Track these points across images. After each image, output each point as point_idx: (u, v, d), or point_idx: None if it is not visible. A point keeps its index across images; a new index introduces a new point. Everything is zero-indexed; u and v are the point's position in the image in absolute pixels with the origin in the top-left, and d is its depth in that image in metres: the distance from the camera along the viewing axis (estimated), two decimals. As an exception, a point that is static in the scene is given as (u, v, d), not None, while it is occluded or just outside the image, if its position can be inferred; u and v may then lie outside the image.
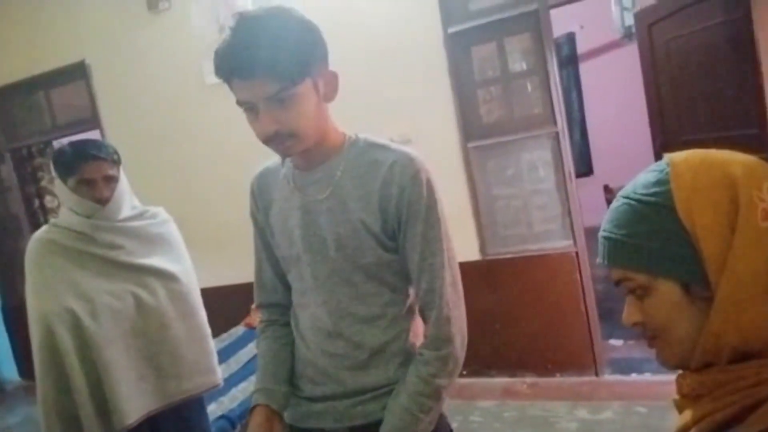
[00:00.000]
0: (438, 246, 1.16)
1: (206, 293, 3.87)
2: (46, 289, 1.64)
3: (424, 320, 1.22)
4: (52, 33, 4.06)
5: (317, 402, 1.27)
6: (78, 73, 4.03)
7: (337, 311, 1.21)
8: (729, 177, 0.62)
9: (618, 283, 0.70)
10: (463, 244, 3.22)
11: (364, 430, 1.20)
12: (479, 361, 3.31)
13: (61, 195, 1.72)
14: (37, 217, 4.83)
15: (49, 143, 4.71)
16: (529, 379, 3.20)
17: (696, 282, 0.63)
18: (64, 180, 1.67)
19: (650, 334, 0.70)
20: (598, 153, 6.22)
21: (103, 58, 3.95)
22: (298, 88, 1.04)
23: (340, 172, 1.18)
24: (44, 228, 1.74)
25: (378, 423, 1.17)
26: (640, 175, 0.69)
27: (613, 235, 0.68)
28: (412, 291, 1.24)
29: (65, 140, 4.51)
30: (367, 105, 3.28)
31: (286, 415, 1.29)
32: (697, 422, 0.63)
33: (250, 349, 3.18)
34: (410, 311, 1.25)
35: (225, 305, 3.79)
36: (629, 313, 0.70)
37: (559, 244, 3.08)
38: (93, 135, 4.15)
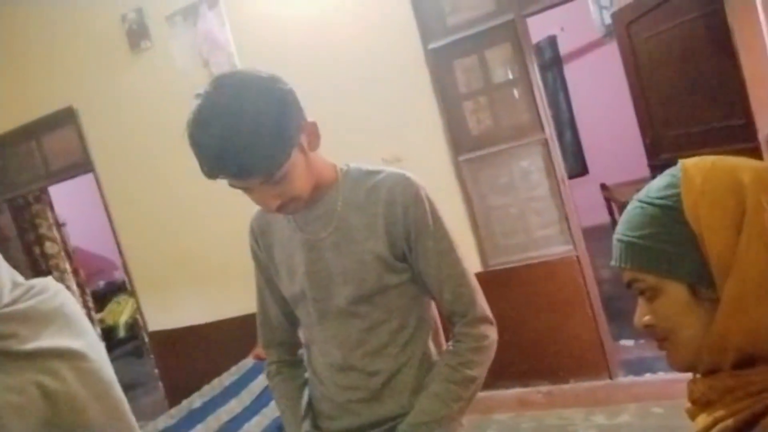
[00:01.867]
0: (453, 257, 1.21)
1: (212, 327, 3.92)
2: None
3: (454, 324, 1.24)
4: (38, 81, 4.09)
5: None
6: (67, 118, 4.05)
7: (347, 344, 1.22)
8: (737, 182, 0.63)
9: (629, 285, 0.72)
10: (464, 257, 3.22)
11: None
12: (491, 374, 3.25)
13: None
14: (39, 264, 4.84)
15: (44, 189, 4.74)
16: (544, 388, 3.17)
17: (702, 284, 0.64)
18: None
19: (660, 336, 0.71)
20: (592, 152, 6.23)
21: (90, 102, 3.97)
22: (286, 166, 1.05)
23: (340, 205, 1.20)
24: None
25: None
26: (655, 180, 0.71)
27: (625, 237, 0.70)
28: (415, 318, 1.25)
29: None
30: (355, 128, 3.30)
31: None
32: (709, 429, 0.63)
33: (261, 381, 3.16)
34: (419, 336, 1.25)
35: (231, 338, 3.78)
36: (640, 314, 0.73)
37: (559, 249, 3.07)
38: (87, 179, 4.18)
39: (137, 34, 3.71)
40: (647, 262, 0.68)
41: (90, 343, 1.67)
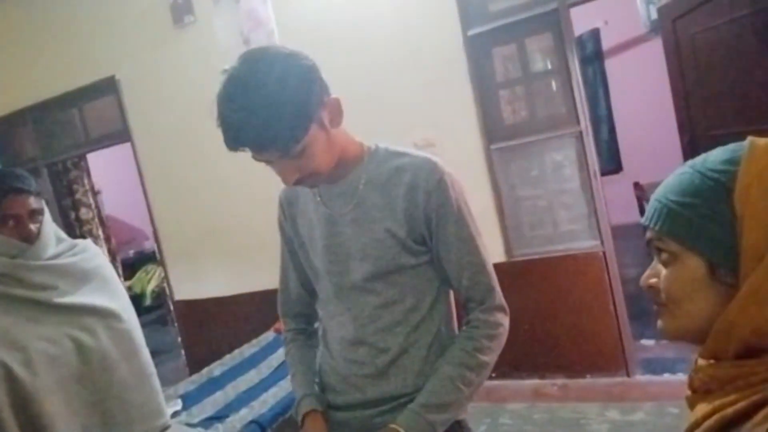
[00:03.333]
0: (474, 244, 1.21)
1: (237, 300, 4.00)
2: None
3: (469, 311, 1.25)
4: (83, 50, 4.19)
5: (339, 411, 1.30)
6: (109, 88, 4.14)
7: (360, 319, 1.24)
8: None
9: (649, 242, 0.71)
10: (488, 246, 3.21)
11: None
12: (508, 363, 3.29)
13: None
14: (74, 229, 4.98)
15: (83, 157, 4.87)
16: (559, 381, 3.17)
17: (724, 267, 0.63)
18: None
19: (660, 301, 0.71)
20: (627, 150, 6.12)
21: (132, 73, 4.06)
22: (305, 140, 1.06)
23: (363, 183, 1.21)
24: None
25: None
26: (714, 150, 0.68)
27: (663, 199, 0.69)
28: (430, 300, 1.25)
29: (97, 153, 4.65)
30: (389, 110, 3.30)
31: None
32: (707, 418, 0.63)
33: (280, 354, 3.22)
34: (432, 318, 1.26)
35: (255, 311, 3.86)
36: (649, 275, 0.72)
37: (586, 244, 3.05)
38: (124, 148, 4.28)
39: (181, 9, 3.77)
40: (677, 228, 0.66)
41: (124, 305, 1.73)
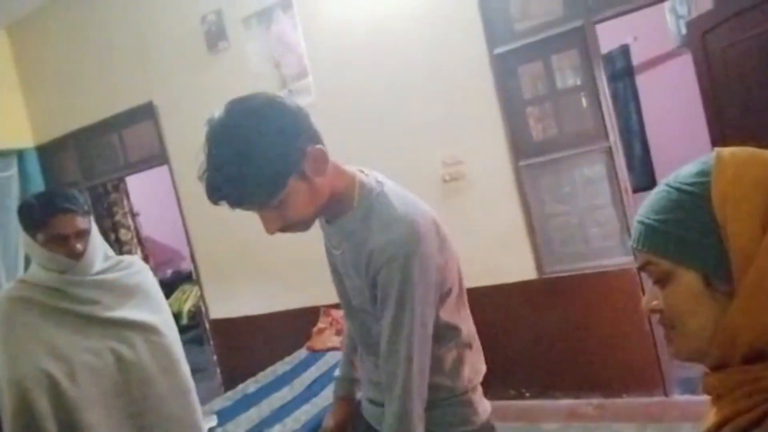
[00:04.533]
0: (405, 333, 1.13)
1: (271, 318, 4.05)
2: (19, 351, 1.50)
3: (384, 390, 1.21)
4: (121, 78, 4.36)
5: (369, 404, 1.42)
6: (147, 113, 4.30)
7: (360, 337, 1.36)
8: (767, 176, 0.62)
9: (642, 267, 0.71)
10: (518, 263, 3.21)
11: None
12: (542, 383, 3.26)
13: (29, 250, 1.59)
14: (114, 250, 5.13)
15: (122, 179, 5.03)
16: (595, 401, 3.11)
17: (718, 276, 0.63)
18: (32, 235, 1.55)
19: (667, 323, 0.71)
20: (661, 166, 6.02)
21: (169, 99, 4.20)
22: (283, 194, 1.06)
23: (346, 234, 1.22)
24: (12, 285, 1.62)
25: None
26: (686, 166, 0.70)
27: (646, 220, 0.69)
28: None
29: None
30: (417, 129, 3.35)
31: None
32: (720, 426, 0.63)
33: (312, 372, 3.26)
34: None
35: (288, 329, 3.91)
36: (649, 299, 0.72)
37: (619, 260, 3.01)
38: (162, 171, 4.41)
39: (215, 35, 3.90)
40: (664, 246, 0.67)
41: (165, 319, 1.80)
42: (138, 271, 1.79)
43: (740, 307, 0.61)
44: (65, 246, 1.56)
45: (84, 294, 1.61)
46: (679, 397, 2.94)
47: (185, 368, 1.78)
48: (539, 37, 3.01)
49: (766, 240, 0.60)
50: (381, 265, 1.12)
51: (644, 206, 0.71)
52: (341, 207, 1.19)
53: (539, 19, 3.04)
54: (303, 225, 1.15)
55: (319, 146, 1.10)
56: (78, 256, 1.58)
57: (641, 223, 0.70)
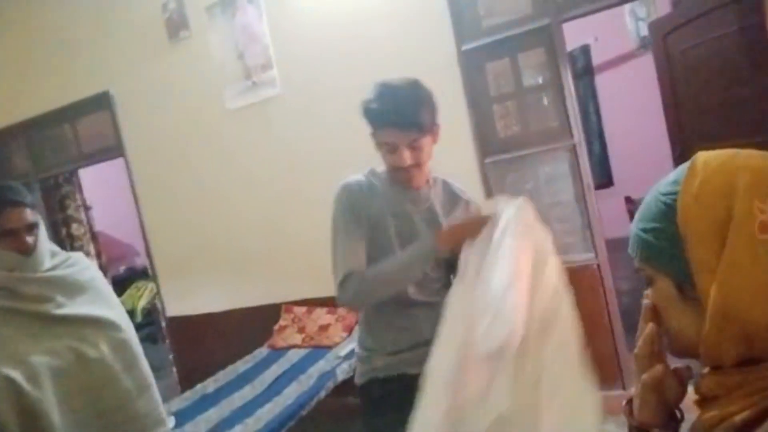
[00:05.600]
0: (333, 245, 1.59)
1: (230, 315, 3.96)
2: None
3: None
4: (76, 65, 4.19)
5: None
6: (102, 103, 4.14)
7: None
8: (730, 185, 0.62)
9: (637, 271, 0.75)
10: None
11: None
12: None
13: None
14: (65, 245, 4.93)
15: (74, 172, 4.84)
16: (556, 395, 3.15)
17: (687, 284, 0.65)
18: None
19: (657, 320, 0.74)
20: (618, 163, 6.18)
21: (126, 88, 4.06)
22: (427, 137, 1.53)
23: (432, 198, 1.67)
24: None
25: None
26: (673, 171, 0.71)
27: (633, 228, 0.73)
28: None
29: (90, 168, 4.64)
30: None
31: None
32: (715, 425, 0.63)
33: (274, 370, 3.20)
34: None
35: (249, 327, 3.83)
36: (646, 296, 0.76)
37: (581, 256, 3.05)
38: (115, 163, 4.27)
39: (176, 24, 3.78)
40: (644, 253, 0.70)
41: (120, 314, 1.74)
42: (87, 267, 1.74)
43: (714, 322, 0.62)
44: (16, 241, 1.51)
45: (35, 292, 1.54)
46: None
47: (145, 363, 1.75)
48: (507, 34, 3.02)
49: (726, 254, 0.60)
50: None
51: (638, 212, 0.74)
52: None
53: (507, 16, 3.05)
54: (420, 170, 1.57)
55: (438, 123, 1.59)
56: (29, 250, 1.53)
57: (632, 229, 0.74)
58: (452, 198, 1.68)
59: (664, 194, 0.68)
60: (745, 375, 0.62)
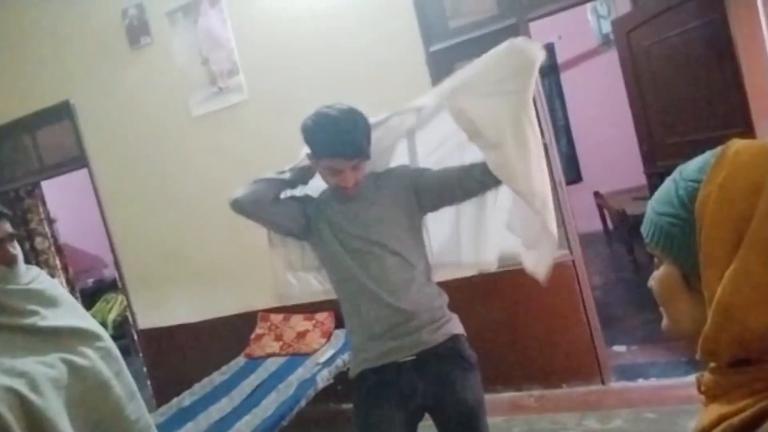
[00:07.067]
0: None
1: (205, 326, 3.89)
2: None
3: None
4: (35, 74, 4.06)
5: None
6: (63, 113, 4.02)
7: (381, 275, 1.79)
8: (757, 183, 0.59)
9: (648, 249, 0.73)
10: (459, 260, 3.22)
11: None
12: (484, 377, 3.25)
13: None
14: (29, 260, 4.77)
15: (37, 184, 4.69)
16: (536, 392, 3.17)
17: (693, 275, 0.64)
18: None
19: (658, 301, 0.73)
20: (586, 159, 6.27)
21: (87, 97, 3.95)
22: (365, 161, 1.68)
23: (368, 193, 1.78)
24: None
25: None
26: (697, 157, 0.68)
27: (648, 208, 0.71)
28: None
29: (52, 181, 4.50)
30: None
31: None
32: (714, 425, 0.62)
33: (252, 380, 3.14)
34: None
35: (224, 337, 3.76)
36: (652, 277, 0.73)
37: (556, 253, 3.07)
38: (80, 174, 4.15)
39: (137, 30, 3.69)
40: (656, 236, 0.68)
41: (97, 325, 1.74)
42: (53, 281, 1.76)
43: (716, 320, 0.60)
44: (0, 251, 1.51)
45: (20, 305, 1.54)
46: (615, 385, 3.04)
47: (127, 370, 1.76)
48: (474, 34, 3.03)
49: (739, 256, 0.58)
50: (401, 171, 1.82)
51: (656, 192, 0.71)
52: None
53: (473, 16, 3.06)
54: (357, 186, 1.70)
55: None
56: (14, 261, 1.54)
57: (648, 209, 0.71)
58: (384, 176, 1.81)
59: (688, 180, 0.65)
60: (742, 376, 0.62)
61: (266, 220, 1.81)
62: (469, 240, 1.99)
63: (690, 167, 0.67)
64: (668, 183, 0.69)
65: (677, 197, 0.65)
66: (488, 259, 2.06)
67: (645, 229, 0.71)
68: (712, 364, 0.67)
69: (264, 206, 1.74)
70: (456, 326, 1.86)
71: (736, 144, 0.64)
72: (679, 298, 0.68)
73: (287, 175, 1.82)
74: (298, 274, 1.98)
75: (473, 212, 1.93)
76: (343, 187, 1.69)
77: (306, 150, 1.75)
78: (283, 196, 1.82)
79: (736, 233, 0.59)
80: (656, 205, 0.69)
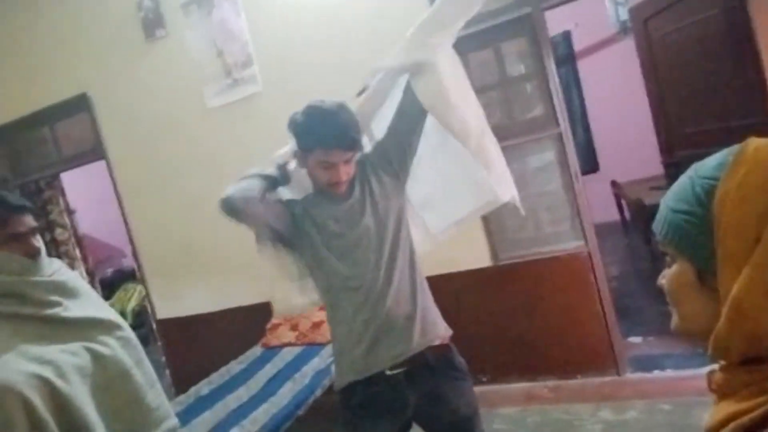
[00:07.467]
0: None
1: (222, 316, 3.94)
2: None
3: None
4: (53, 68, 4.11)
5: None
6: (81, 105, 4.07)
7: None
8: None
9: (660, 246, 0.73)
10: (473, 251, 3.22)
11: None
12: (499, 368, 3.29)
13: None
14: (49, 251, 4.86)
15: (56, 176, 4.76)
16: (551, 383, 3.17)
17: (709, 273, 0.63)
18: None
19: (668, 299, 0.73)
20: (603, 149, 6.21)
21: (104, 90, 3.99)
22: (356, 155, 1.69)
23: (360, 191, 1.76)
24: None
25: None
26: (714, 155, 0.67)
27: (663, 204, 0.70)
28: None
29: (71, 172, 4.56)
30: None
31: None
32: (724, 424, 0.62)
33: (268, 370, 3.18)
34: None
35: (241, 327, 3.80)
36: (662, 275, 0.74)
37: (571, 244, 3.06)
38: (99, 165, 4.20)
39: (152, 23, 3.71)
40: (670, 233, 0.68)
41: (116, 316, 1.76)
42: (73, 273, 1.78)
43: (730, 317, 0.60)
44: (25, 244, 1.54)
45: (44, 296, 1.56)
46: (630, 376, 3.03)
47: (147, 359, 1.79)
48: (489, 24, 3.00)
49: (757, 254, 0.58)
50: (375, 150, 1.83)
51: (669, 190, 0.71)
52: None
53: (488, 6, 3.02)
54: (348, 182, 1.69)
55: None
56: (37, 254, 1.56)
57: (661, 206, 0.71)
58: (364, 167, 1.77)
59: (704, 177, 0.64)
60: (752, 374, 0.62)
61: (256, 219, 1.74)
62: (451, 195, 1.93)
63: (706, 165, 0.66)
64: (684, 180, 0.68)
65: (694, 195, 0.65)
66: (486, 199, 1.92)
67: (659, 226, 0.70)
68: (723, 362, 0.67)
69: (254, 203, 1.68)
70: (444, 329, 1.77)
71: (755, 142, 0.63)
72: (692, 296, 0.67)
73: (273, 171, 1.78)
74: (292, 285, 1.93)
75: (444, 170, 1.90)
76: (335, 182, 1.66)
77: (290, 147, 1.73)
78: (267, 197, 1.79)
79: (754, 231, 0.58)
80: (671, 203, 0.68)
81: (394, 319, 1.65)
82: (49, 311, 1.56)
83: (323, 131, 1.60)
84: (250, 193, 1.69)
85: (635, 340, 3.36)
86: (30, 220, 1.57)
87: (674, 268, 0.70)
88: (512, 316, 3.20)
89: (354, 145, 1.64)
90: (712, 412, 0.67)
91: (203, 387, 3.17)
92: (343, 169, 1.64)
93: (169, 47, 3.73)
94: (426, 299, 1.76)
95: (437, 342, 1.72)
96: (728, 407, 0.63)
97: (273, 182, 1.77)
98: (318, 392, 2.79)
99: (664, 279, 0.73)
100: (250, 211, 1.70)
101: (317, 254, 1.72)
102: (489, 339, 3.26)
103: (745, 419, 0.60)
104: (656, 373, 2.98)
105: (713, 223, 0.62)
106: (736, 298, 0.59)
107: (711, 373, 0.69)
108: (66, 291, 1.63)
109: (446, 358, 1.73)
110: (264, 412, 2.67)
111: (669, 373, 2.93)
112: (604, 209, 5.59)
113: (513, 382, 3.26)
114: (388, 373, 1.65)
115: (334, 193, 1.71)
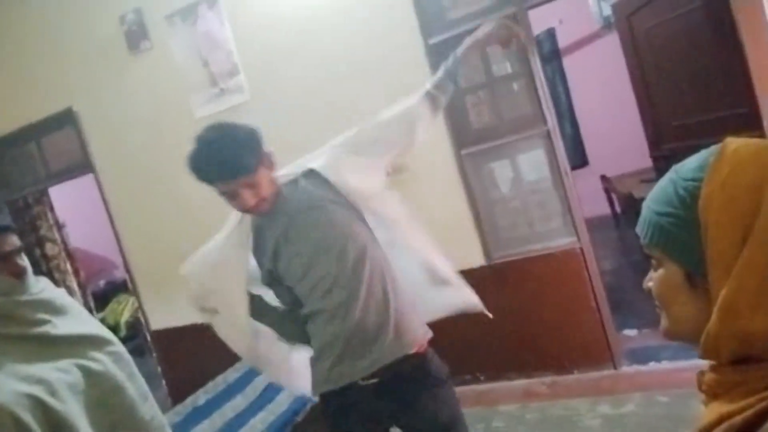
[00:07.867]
0: None
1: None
2: None
3: None
4: (38, 82, 4.08)
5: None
6: (67, 120, 4.04)
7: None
8: (762, 179, 0.59)
9: (644, 248, 0.72)
10: (466, 251, 3.22)
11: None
12: (496, 366, 3.30)
13: None
14: (40, 266, 4.82)
15: (44, 191, 4.73)
16: (548, 379, 3.18)
17: (698, 274, 0.63)
18: None
19: (656, 302, 0.73)
20: (591, 144, 6.24)
21: (90, 103, 3.97)
22: (260, 172, 1.58)
23: (293, 201, 1.70)
24: None
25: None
26: (694, 156, 0.68)
27: (645, 208, 0.70)
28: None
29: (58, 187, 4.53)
30: (354, 123, 3.28)
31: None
32: (715, 425, 0.62)
33: (265, 378, 3.16)
34: None
35: (236, 335, 3.78)
36: (648, 278, 0.74)
37: (563, 241, 3.07)
38: (87, 178, 4.17)
39: (136, 35, 3.70)
40: (656, 236, 0.67)
41: (105, 330, 1.75)
42: (60, 290, 1.76)
43: (720, 318, 0.61)
44: (10, 264, 1.52)
45: (32, 315, 1.55)
46: (627, 369, 3.04)
47: (139, 373, 1.79)
48: (473, 24, 2.99)
49: (745, 253, 0.58)
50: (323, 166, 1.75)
51: (651, 193, 0.71)
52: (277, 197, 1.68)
53: (472, 7, 3.04)
54: (264, 201, 1.61)
55: (270, 149, 1.65)
56: (23, 273, 1.55)
57: (644, 209, 0.71)
58: (314, 183, 1.71)
59: (686, 179, 0.65)
60: (743, 374, 0.62)
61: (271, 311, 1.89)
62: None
63: (687, 166, 0.67)
64: (665, 182, 0.68)
65: (677, 197, 0.65)
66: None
67: (643, 229, 0.70)
68: (714, 363, 0.67)
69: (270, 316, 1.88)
70: (422, 333, 1.72)
71: (734, 142, 0.64)
72: (681, 298, 0.67)
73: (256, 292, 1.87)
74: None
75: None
76: (246, 209, 1.61)
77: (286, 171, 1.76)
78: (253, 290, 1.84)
79: (742, 230, 0.59)
80: (654, 206, 0.68)
81: (363, 330, 1.60)
82: (38, 330, 1.54)
83: (207, 167, 1.53)
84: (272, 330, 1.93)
85: (630, 333, 3.37)
86: (14, 240, 1.55)
87: (661, 271, 0.69)
88: (508, 315, 3.19)
89: (242, 170, 1.52)
90: (703, 412, 0.67)
91: (200, 396, 3.16)
92: (247, 194, 1.56)
93: (154, 59, 3.71)
94: (401, 303, 1.68)
95: (413, 350, 1.66)
96: (720, 407, 0.63)
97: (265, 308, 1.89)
98: (315, 399, 2.78)
99: (651, 282, 0.73)
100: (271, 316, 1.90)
101: (285, 279, 1.70)
102: (485, 338, 3.26)
103: (738, 419, 0.60)
104: (652, 365, 2.99)
105: (699, 224, 0.62)
106: (726, 298, 0.59)
107: (701, 373, 0.69)
108: (54, 309, 1.62)
109: (422, 366, 1.69)
110: (261, 420, 2.67)
111: (665, 365, 2.95)
112: (595, 204, 5.62)
113: (511, 380, 3.27)
114: (361, 383, 1.63)
115: (261, 214, 1.66)
